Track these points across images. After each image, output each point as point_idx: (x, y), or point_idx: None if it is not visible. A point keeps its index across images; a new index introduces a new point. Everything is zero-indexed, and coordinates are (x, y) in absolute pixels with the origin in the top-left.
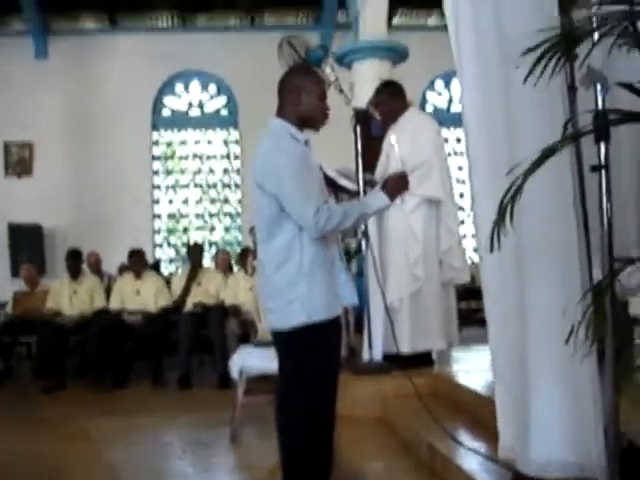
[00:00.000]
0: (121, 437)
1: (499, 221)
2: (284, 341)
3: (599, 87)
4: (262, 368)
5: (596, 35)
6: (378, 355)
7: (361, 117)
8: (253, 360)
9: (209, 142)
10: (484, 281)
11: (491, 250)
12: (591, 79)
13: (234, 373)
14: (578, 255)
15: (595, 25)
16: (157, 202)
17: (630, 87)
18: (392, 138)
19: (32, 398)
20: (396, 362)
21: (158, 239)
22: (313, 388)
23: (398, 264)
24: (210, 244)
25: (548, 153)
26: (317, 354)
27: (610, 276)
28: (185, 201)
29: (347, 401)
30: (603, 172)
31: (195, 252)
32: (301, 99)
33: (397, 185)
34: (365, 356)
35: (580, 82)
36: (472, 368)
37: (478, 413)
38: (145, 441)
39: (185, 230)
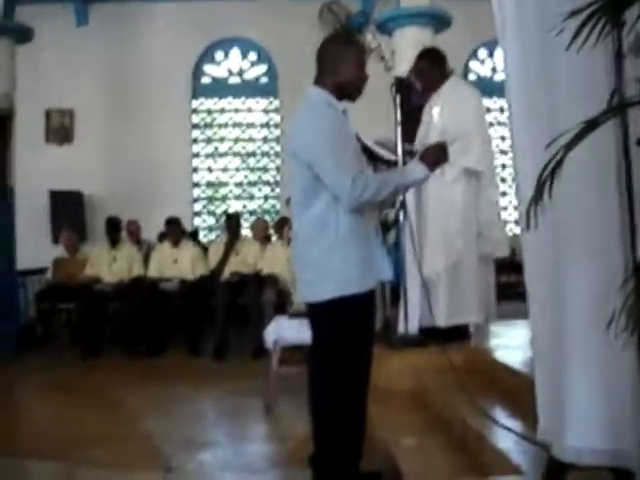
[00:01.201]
0: (155, 406)
1: (537, 197)
2: (317, 313)
3: None
4: (297, 339)
5: None
6: (414, 328)
7: (401, 86)
8: (288, 331)
9: (249, 110)
10: (524, 258)
11: (527, 227)
12: None
13: (269, 343)
14: (621, 235)
15: None
16: (196, 170)
17: None
18: (433, 108)
19: (69, 365)
20: (432, 336)
21: (197, 207)
22: (345, 361)
23: (436, 236)
24: (249, 213)
25: (591, 126)
26: (350, 327)
27: None
28: (224, 169)
29: (381, 374)
30: None
31: (232, 222)
32: (340, 67)
33: (436, 156)
34: (401, 329)
35: (628, 49)
36: (510, 343)
37: (515, 390)
38: (179, 410)
39: (224, 198)
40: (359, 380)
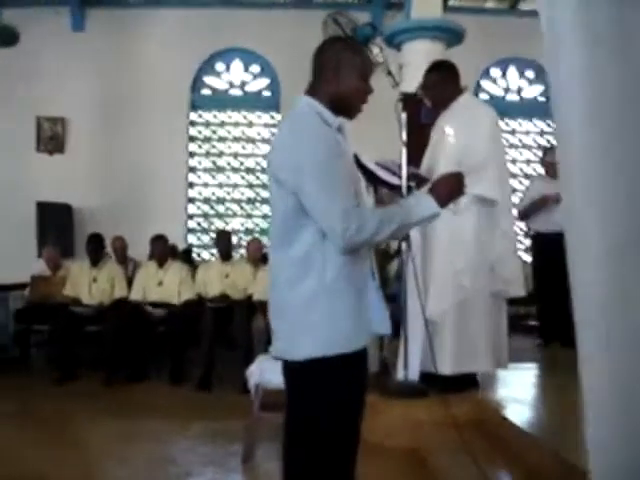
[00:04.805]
0: (123, 446)
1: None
2: (291, 372)
3: None
4: (281, 383)
5: None
6: (414, 374)
7: (409, 102)
8: (271, 373)
9: (250, 124)
10: (574, 299)
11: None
12: None
13: (251, 386)
14: None
15: None
16: (192, 185)
17: None
18: (444, 127)
19: (41, 390)
20: (435, 383)
21: (192, 224)
22: (326, 434)
23: (442, 271)
24: (247, 231)
25: None
26: (332, 393)
27: None
28: (222, 185)
29: (374, 428)
30: None
31: (223, 240)
32: (339, 76)
33: (450, 188)
34: (399, 375)
35: None
36: (522, 395)
37: (524, 454)
38: (147, 454)
39: (221, 216)
40: (343, 455)
